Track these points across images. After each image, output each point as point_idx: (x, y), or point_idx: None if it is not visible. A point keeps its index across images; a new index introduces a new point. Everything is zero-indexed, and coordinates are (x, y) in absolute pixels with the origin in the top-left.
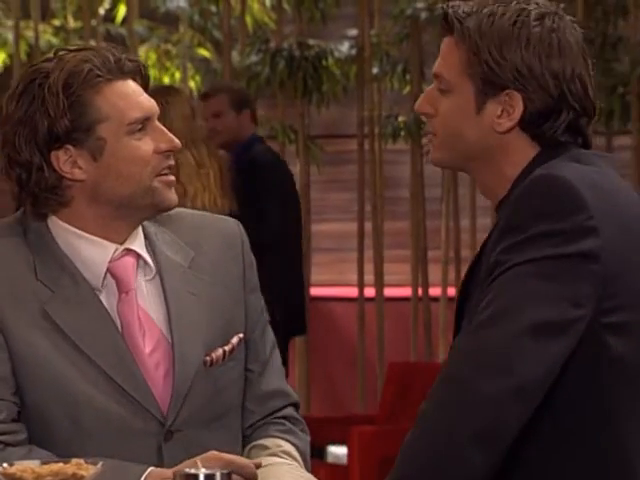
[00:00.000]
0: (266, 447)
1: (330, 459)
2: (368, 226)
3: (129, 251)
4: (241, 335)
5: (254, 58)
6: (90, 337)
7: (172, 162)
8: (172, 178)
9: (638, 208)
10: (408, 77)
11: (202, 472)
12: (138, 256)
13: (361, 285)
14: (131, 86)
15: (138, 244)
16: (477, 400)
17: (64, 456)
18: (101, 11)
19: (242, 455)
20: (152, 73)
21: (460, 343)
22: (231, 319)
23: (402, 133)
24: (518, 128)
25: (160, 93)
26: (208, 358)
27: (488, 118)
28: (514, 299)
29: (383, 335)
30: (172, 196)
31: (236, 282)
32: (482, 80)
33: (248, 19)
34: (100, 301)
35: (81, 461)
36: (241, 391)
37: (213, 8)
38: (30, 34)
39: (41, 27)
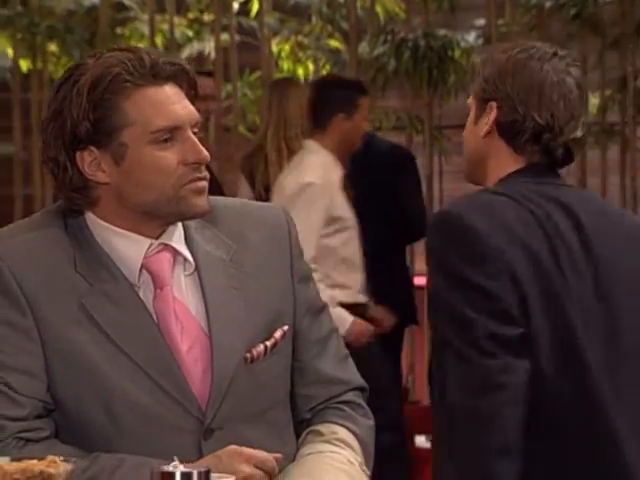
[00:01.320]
0: (321, 433)
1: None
2: None
3: (165, 246)
4: (286, 328)
5: (381, 49)
6: (127, 333)
7: (201, 174)
8: (202, 184)
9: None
10: None
11: (179, 470)
12: (176, 251)
13: None
14: (166, 93)
15: (175, 239)
16: None
17: (106, 452)
18: (235, 5)
19: (298, 441)
20: (286, 65)
21: None
22: (277, 311)
23: None
24: (497, 134)
25: (278, 85)
26: (248, 355)
27: (479, 127)
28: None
29: None
30: (200, 203)
31: (283, 273)
32: (479, 97)
33: (379, 9)
34: (138, 296)
35: (56, 458)
36: (286, 385)
37: None
38: (165, 27)
39: (176, 20)
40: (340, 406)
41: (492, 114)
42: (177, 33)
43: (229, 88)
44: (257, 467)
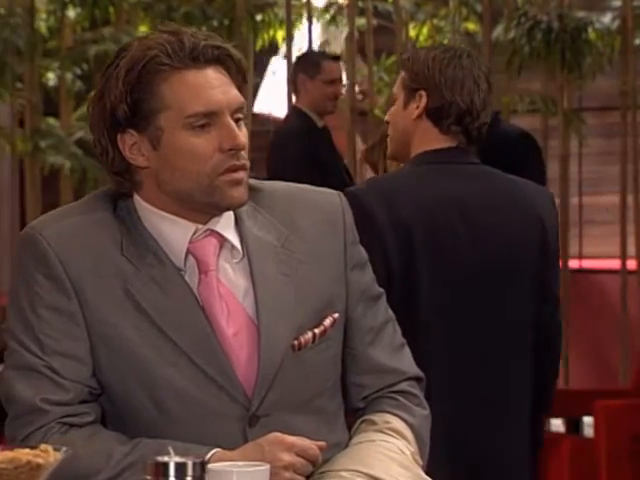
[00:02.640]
0: (374, 422)
1: (586, 432)
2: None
3: (212, 232)
4: (336, 315)
5: (514, 32)
6: (172, 318)
7: (239, 161)
8: (239, 176)
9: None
10: None
11: (173, 461)
12: (222, 237)
13: (624, 257)
14: (206, 76)
15: (223, 225)
16: None
17: (151, 438)
18: None
19: (351, 430)
20: None
21: None
22: (328, 298)
23: None
24: (425, 117)
25: None
26: (296, 342)
27: (409, 111)
28: None
29: None
30: (237, 194)
31: (336, 259)
32: (407, 87)
33: None
34: (184, 281)
35: (48, 448)
36: (335, 373)
37: None
38: (303, 12)
39: (314, 4)
40: (394, 395)
41: (422, 101)
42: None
43: (365, 72)
44: (299, 455)
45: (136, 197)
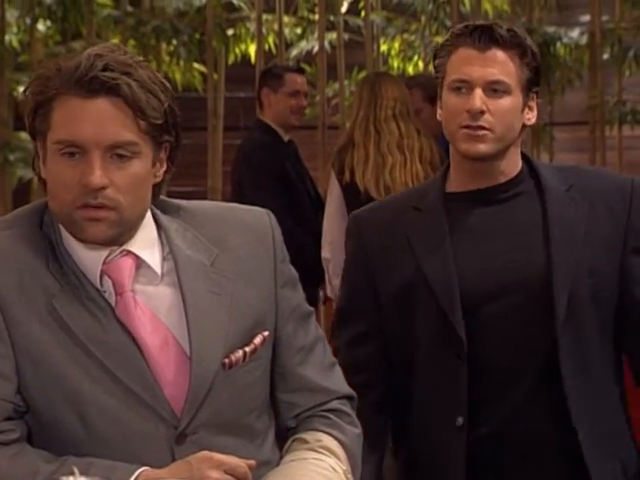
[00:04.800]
0: (306, 441)
1: None
2: None
3: (129, 253)
4: (266, 334)
5: None
6: (96, 336)
7: (95, 201)
8: (96, 214)
9: None
10: None
11: None
12: (140, 258)
13: None
14: (84, 107)
15: (140, 246)
16: None
17: (78, 457)
18: (345, 4)
19: (283, 448)
20: (396, 63)
21: None
22: (258, 317)
23: (630, 119)
24: None
25: (370, 76)
26: (227, 361)
27: (524, 115)
28: None
29: None
30: (93, 231)
31: (266, 277)
32: (526, 85)
33: (487, 6)
34: (105, 300)
35: None
36: (265, 391)
37: None
38: (275, 27)
39: (285, 19)
40: (326, 414)
41: (535, 107)
42: (287, 32)
43: (336, 86)
44: (228, 473)
45: None
